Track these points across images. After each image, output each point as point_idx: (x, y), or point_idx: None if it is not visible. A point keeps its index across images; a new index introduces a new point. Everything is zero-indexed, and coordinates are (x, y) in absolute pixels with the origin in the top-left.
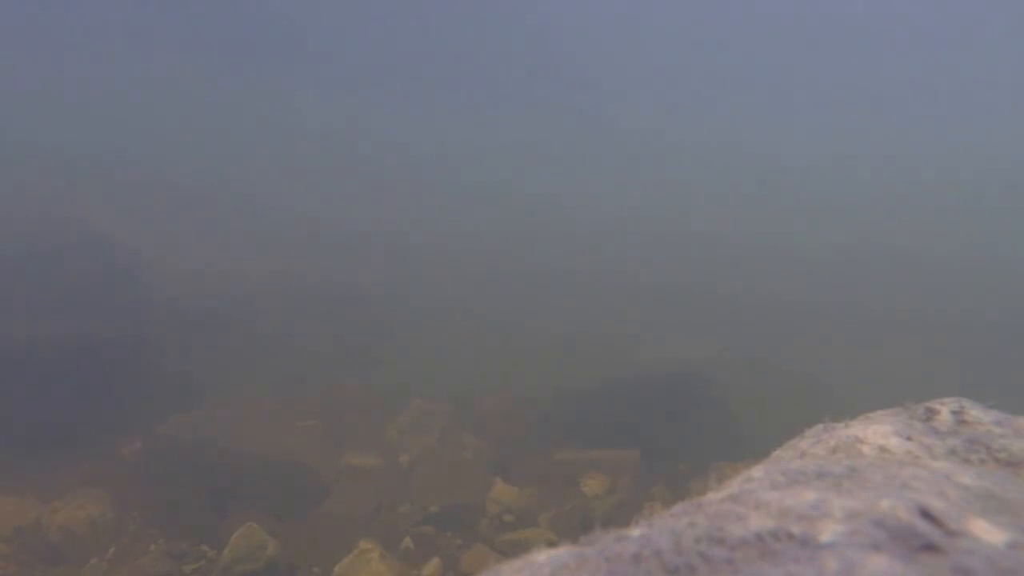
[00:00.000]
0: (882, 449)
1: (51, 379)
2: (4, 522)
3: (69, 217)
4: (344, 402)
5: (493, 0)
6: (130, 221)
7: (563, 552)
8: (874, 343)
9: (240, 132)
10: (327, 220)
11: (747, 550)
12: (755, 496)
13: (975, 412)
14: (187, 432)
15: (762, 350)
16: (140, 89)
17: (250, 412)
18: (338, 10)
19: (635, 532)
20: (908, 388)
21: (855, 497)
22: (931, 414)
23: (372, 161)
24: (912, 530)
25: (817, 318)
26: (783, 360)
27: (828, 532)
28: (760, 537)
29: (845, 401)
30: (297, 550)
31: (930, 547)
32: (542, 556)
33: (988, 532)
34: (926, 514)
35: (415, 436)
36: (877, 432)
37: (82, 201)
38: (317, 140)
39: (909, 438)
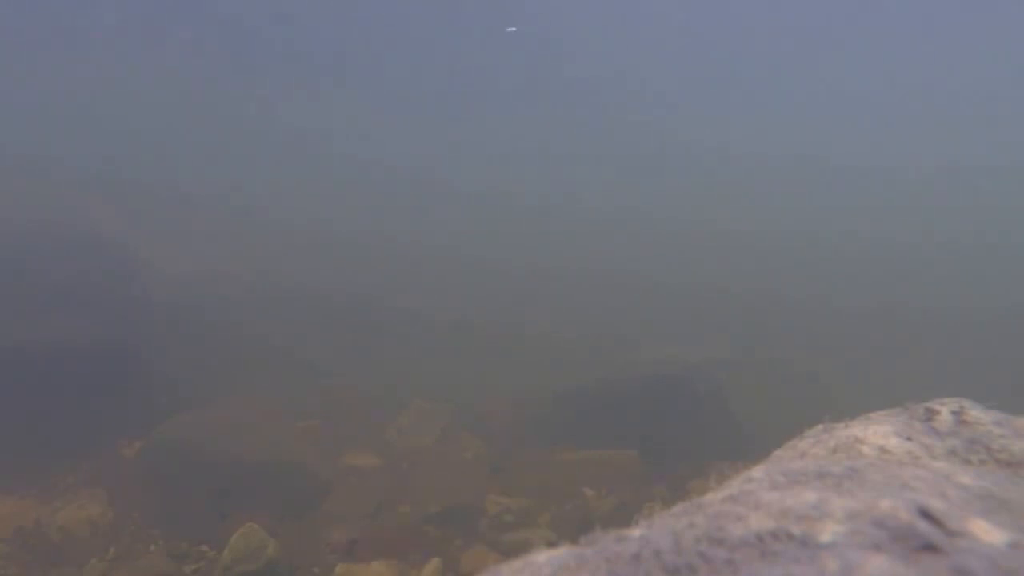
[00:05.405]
0: (882, 449)
1: (51, 380)
2: (4, 522)
3: (66, 220)
4: (344, 402)
5: (486, 4)
6: (126, 223)
7: (563, 552)
8: (874, 343)
9: (236, 137)
10: (326, 224)
11: (747, 550)
12: (755, 496)
13: (975, 412)
14: (187, 432)
15: (762, 350)
16: (136, 92)
17: (250, 412)
18: (335, 18)
19: (635, 532)
20: (908, 388)
21: (855, 497)
22: (931, 414)
23: (371, 167)
24: (912, 530)
25: (817, 317)
26: (783, 360)
27: (828, 532)
28: (760, 537)
29: (845, 401)
30: (297, 550)
31: (930, 547)
32: (542, 556)
33: (988, 532)
34: (926, 514)
35: (415, 436)
36: (877, 432)
37: (78, 204)
38: (314, 145)
39: (909, 438)
